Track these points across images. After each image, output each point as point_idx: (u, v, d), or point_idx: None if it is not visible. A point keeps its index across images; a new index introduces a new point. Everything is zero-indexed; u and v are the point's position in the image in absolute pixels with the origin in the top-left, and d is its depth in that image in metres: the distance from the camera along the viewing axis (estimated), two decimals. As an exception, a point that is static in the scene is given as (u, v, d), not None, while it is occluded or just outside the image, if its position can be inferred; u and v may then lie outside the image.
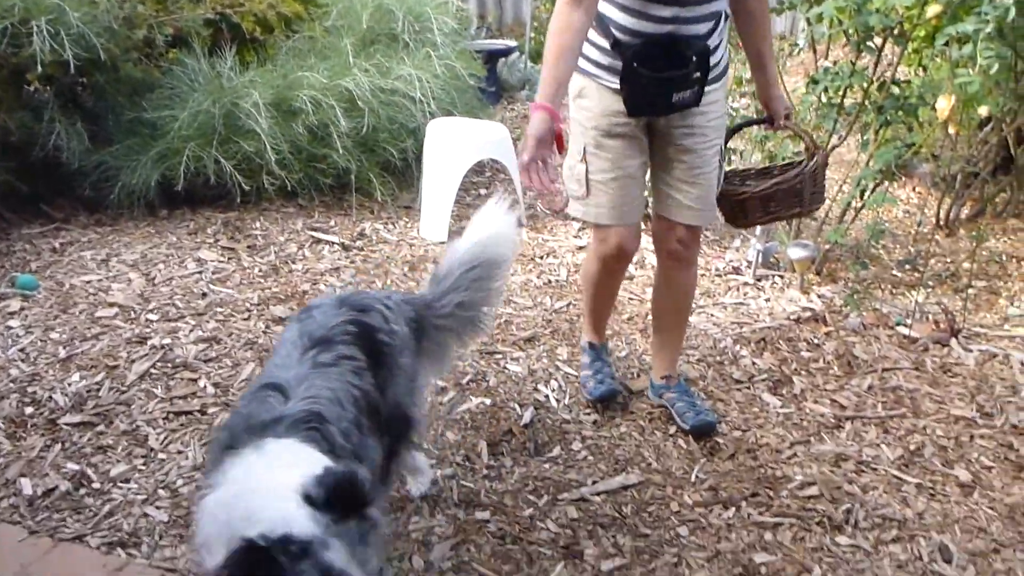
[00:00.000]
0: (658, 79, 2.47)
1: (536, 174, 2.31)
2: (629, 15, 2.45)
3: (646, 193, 2.89)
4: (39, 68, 4.10)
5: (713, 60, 2.53)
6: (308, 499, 1.50)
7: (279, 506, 1.49)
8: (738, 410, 3.05)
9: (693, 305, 3.17)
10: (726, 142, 2.81)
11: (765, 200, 2.79)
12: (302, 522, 1.48)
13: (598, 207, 2.71)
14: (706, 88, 2.54)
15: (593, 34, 2.50)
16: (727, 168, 2.93)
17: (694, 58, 2.46)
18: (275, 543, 1.43)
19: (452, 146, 4.60)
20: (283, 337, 2.08)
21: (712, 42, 2.52)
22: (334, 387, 1.86)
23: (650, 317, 3.65)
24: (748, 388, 3.19)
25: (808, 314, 3.70)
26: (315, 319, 2.06)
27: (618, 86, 2.52)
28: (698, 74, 2.49)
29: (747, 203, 2.83)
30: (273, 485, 1.54)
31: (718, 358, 3.38)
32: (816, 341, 3.48)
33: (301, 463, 1.59)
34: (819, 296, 3.86)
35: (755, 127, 3.46)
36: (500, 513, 2.55)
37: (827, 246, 3.97)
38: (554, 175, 2.35)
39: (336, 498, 1.51)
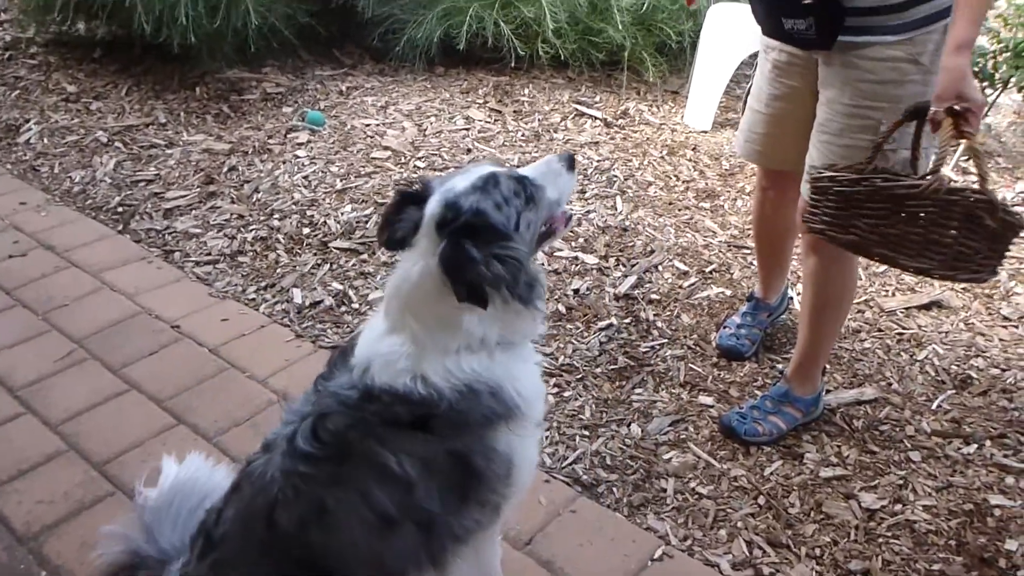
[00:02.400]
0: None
1: None
2: None
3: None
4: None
5: None
6: None
7: None
8: (1000, 348, 2.82)
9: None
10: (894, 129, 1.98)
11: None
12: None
13: (739, 132, 2.50)
14: (861, 37, 1.97)
15: None
16: None
17: None
18: None
19: (731, 33, 4.41)
20: None
21: None
22: None
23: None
24: (1017, 327, 2.93)
25: None
26: None
27: None
28: (810, 20, 1.97)
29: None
30: None
31: (988, 291, 3.11)
32: None
33: None
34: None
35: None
36: (724, 401, 2.54)
37: None
38: None
39: None
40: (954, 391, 2.62)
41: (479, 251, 1.37)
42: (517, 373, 1.50)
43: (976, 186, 1.81)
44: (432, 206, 1.45)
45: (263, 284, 3.00)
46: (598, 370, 2.64)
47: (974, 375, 2.69)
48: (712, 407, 2.51)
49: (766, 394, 2.48)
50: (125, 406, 2.42)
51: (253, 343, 2.70)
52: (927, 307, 3.00)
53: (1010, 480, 2.29)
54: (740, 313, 2.83)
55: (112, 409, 2.40)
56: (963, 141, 1.82)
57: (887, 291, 3.09)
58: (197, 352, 2.65)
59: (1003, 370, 2.71)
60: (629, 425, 2.43)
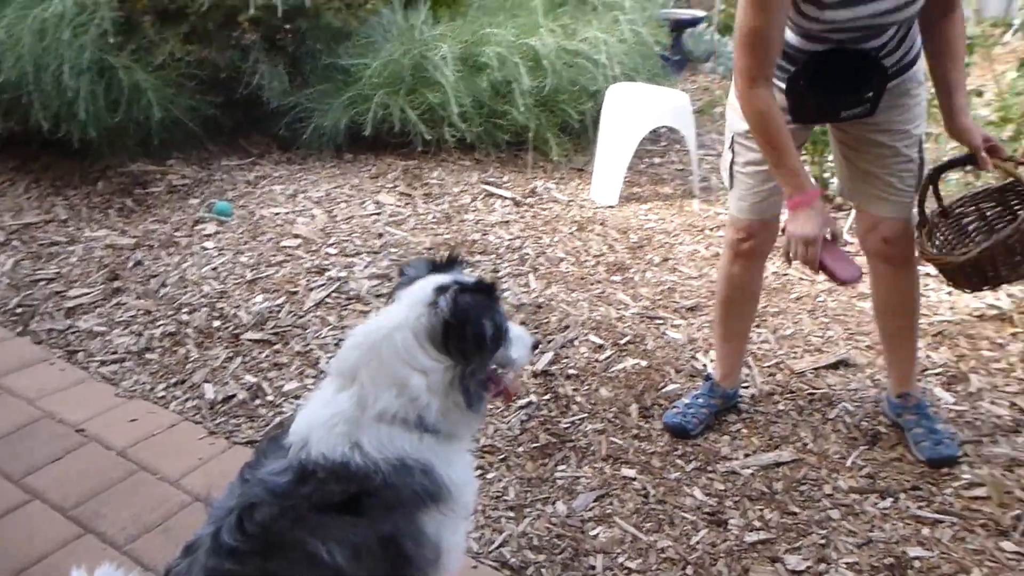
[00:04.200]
0: (825, 96, 2.26)
1: (839, 259, 2.22)
2: (795, 31, 2.22)
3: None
4: (250, 11, 4.37)
5: (890, 63, 2.24)
6: None
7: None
8: (906, 402, 2.92)
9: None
10: (927, 188, 2.41)
11: (975, 267, 2.27)
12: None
13: (738, 199, 2.55)
14: (888, 86, 2.25)
15: None
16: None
17: (867, 77, 2.21)
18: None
19: (631, 111, 4.58)
20: None
21: (890, 60, 2.24)
22: None
23: (820, 299, 3.55)
24: (920, 381, 3.04)
25: (994, 312, 3.47)
26: None
27: (783, 86, 2.28)
28: (871, 93, 2.23)
29: (954, 274, 2.38)
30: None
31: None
32: (1000, 341, 3.26)
33: None
34: (1009, 295, 3.61)
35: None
36: (647, 473, 2.55)
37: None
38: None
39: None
40: (866, 447, 2.70)
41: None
42: (448, 458, 1.53)
43: None
44: (441, 276, 1.58)
45: (173, 381, 2.92)
46: (520, 449, 2.63)
47: (883, 430, 2.77)
48: (635, 479, 2.52)
49: (921, 416, 2.67)
50: (28, 517, 2.29)
51: (164, 443, 2.61)
52: (834, 366, 3.09)
53: (926, 531, 2.35)
54: (692, 395, 2.82)
55: (14, 522, 2.28)
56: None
57: (796, 353, 3.19)
58: (104, 455, 2.55)
59: (910, 424, 2.80)
60: (554, 503, 2.42)
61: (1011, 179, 2.37)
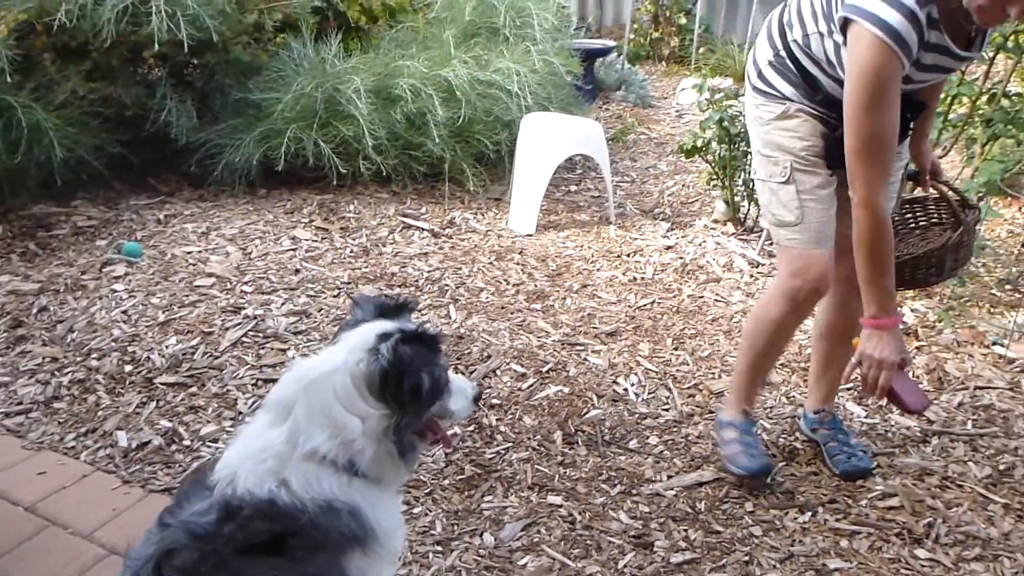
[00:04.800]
0: None
1: (908, 388, 2.29)
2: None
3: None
4: (156, 47, 4.28)
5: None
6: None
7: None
8: (820, 417, 3.00)
9: None
10: None
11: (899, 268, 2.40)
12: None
13: (813, 230, 2.39)
14: None
15: (802, 89, 2.33)
16: None
17: (908, 117, 2.25)
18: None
19: (545, 140, 4.63)
20: None
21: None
22: None
23: (736, 319, 3.62)
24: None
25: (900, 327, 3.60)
26: None
27: (823, 113, 2.31)
28: (912, 125, 2.35)
29: None
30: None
31: (803, 364, 3.33)
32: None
33: None
34: (912, 310, 3.76)
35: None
36: (572, 499, 2.56)
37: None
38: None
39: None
40: (784, 463, 2.76)
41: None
42: (376, 502, 1.52)
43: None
44: (385, 323, 1.57)
45: (83, 430, 2.81)
46: (446, 482, 2.61)
47: (799, 446, 2.84)
48: (561, 506, 2.52)
49: (836, 431, 2.77)
50: (-73, 583, 2.18)
51: (75, 495, 2.51)
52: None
53: (844, 543, 2.42)
54: (733, 437, 2.68)
55: (-88, 588, 2.16)
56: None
57: (714, 374, 3.25)
58: (12, 512, 2.43)
59: (825, 438, 2.88)
60: (482, 535, 2.41)
61: (922, 194, 2.70)
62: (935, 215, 2.76)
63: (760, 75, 2.41)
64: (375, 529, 1.49)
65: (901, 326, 2.24)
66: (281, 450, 1.45)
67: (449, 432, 1.78)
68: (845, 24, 2.05)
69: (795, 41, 2.30)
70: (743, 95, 4.53)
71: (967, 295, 3.96)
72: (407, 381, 1.47)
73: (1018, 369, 3.32)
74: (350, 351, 1.50)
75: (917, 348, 3.46)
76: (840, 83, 2.15)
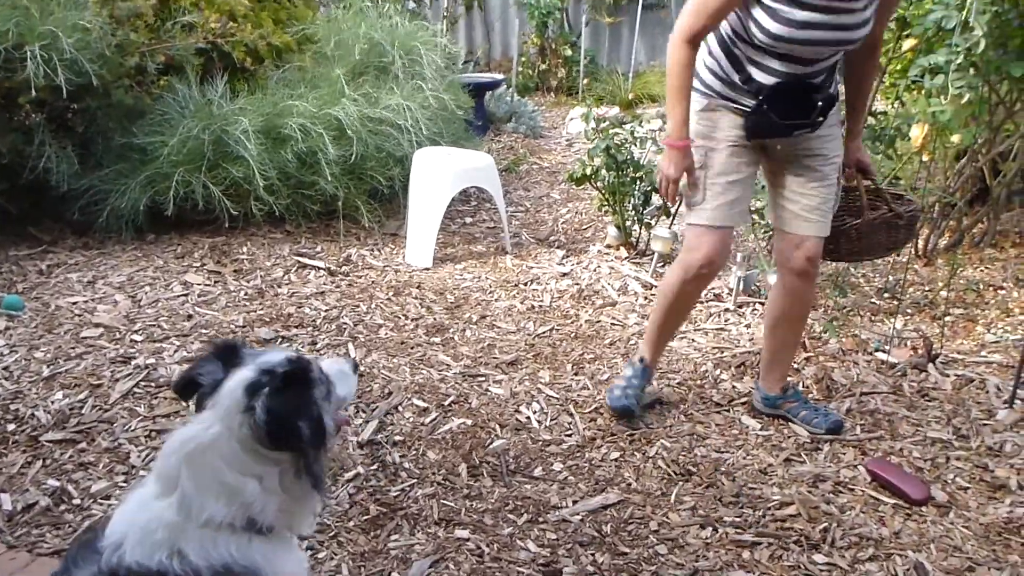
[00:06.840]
0: (785, 117, 2.65)
1: (907, 481, 2.76)
2: (760, 64, 2.63)
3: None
4: (32, 92, 4.14)
5: (827, 93, 2.70)
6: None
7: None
8: (718, 432, 3.08)
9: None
10: None
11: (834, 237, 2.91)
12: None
13: (708, 212, 2.81)
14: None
15: (723, 65, 2.69)
16: None
17: (820, 104, 2.64)
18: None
19: (438, 174, 4.66)
20: None
21: (833, 89, 2.72)
22: None
23: (632, 342, 3.69)
24: (728, 411, 3.22)
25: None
26: None
27: (744, 108, 2.70)
28: (821, 118, 2.68)
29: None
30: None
31: (699, 382, 3.42)
32: (795, 366, 3.51)
33: None
34: (799, 323, 3.90)
35: None
36: (480, 532, 2.56)
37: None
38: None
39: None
40: (684, 480, 2.82)
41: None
42: (277, 556, 1.48)
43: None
44: (246, 372, 1.47)
45: (-37, 495, 2.66)
46: (351, 523, 2.57)
47: (699, 461, 2.91)
48: (469, 539, 2.51)
49: (802, 401, 3.14)
50: None
51: (-45, 566, 2.38)
52: (650, 405, 3.22)
53: (746, 554, 2.48)
54: (626, 376, 3.19)
55: None
56: (867, 182, 3.01)
57: (614, 396, 3.30)
58: None
59: (722, 453, 2.96)
60: (390, 575, 2.38)
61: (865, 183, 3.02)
62: (881, 206, 3.05)
63: (696, 74, 2.76)
64: None
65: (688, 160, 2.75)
66: (172, 520, 1.40)
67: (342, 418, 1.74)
68: None
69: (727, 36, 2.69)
70: (628, 123, 4.65)
71: (849, 305, 4.14)
72: (294, 435, 1.43)
73: (900, 373, 3.48)
74: (225, 416, 1.44)
75: (805, 359, 3.59)
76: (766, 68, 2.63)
